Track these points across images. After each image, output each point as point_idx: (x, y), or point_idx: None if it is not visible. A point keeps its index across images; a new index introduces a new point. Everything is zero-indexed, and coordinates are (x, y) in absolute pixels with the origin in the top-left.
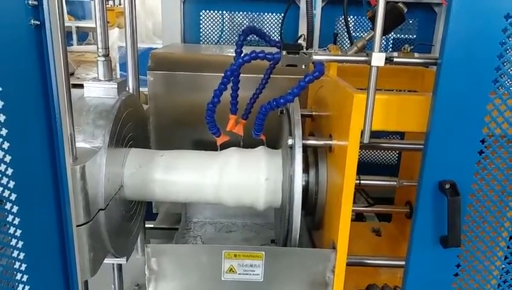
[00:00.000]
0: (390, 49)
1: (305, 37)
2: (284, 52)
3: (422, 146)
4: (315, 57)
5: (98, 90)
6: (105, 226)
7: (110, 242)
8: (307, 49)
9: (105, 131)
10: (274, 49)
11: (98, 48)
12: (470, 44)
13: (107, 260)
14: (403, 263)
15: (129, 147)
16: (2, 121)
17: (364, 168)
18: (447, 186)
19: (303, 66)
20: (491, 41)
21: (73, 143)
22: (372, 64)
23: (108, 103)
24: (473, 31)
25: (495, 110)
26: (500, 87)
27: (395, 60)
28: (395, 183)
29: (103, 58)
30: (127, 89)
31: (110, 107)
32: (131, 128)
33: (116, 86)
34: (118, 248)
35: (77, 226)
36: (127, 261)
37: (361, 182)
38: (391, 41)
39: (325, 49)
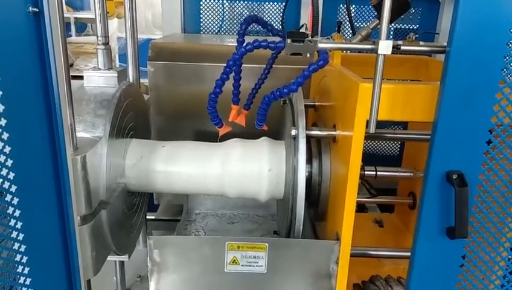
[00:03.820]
0: (392, 39)
1: (307, 26)
2: (289, 41)
3: (428, 136)
4: (321, 45)
5: (98, 80)
6: (108, 225)
7: (113, 240)
8: (312, 37)
9: (105, 120)
10: (276, 39)
11: (97, 37)
12: (479, 32)
13: (109, 258)
14: (407, 254)
15: (130, 137)
16: (1, 111)
17: (366, 158)
18: (455, 176)
19: (308, 55)
20: (500, 28)
21: (74, 133)
22: (379, 52)
23: (109, 92)
24: (482, 18)
25: (504, 99)
26: (509, 76)
27: (402, 48)
28: (412, 174)
29: (103, 47)
30: (127, 79)
31: (111, 97)
32: (132, 118)
33: (116, 75)
34: (120, 246)
35: (79, 225)
36: (129, 258)
37: (378, 173)
38: (392, 31)
39: (328, 38)
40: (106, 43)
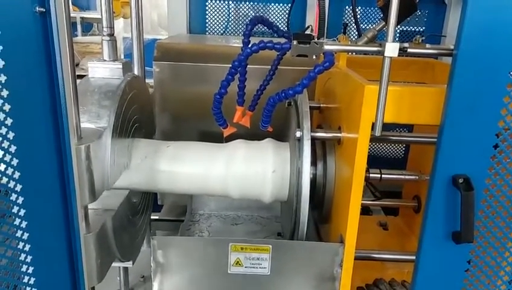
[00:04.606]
0: (398, 42)
1: (312, 28)
2: (295, 42)
3: (434, 139)
4: (327, 47)
5: (103, 71)
6: (113, 233)
7: (117, 248)
8: (318, 39)
9: (110, 111)
10: (281, 40)
11: (102, 27)
12: (487, 35)
13: (113, 264)
14: (411, 257)
15: (135, 130)
16: (8, 111)
17: (370, 160)
18: (461, 180)
19: (314, 57)
20: (508, 31)
21: (79, 125)
22: (385, 54)
23: (114, 84)
24: (490, 21)
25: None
26: None
27: (408, 50)
28: (417, 177)
29: (108, 38)
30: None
31: (115, 88)
32: (137, 111)
33: (121, 67)
34: (124, 253)
35: (85, 234)
36: (133, 264)
37: (383, 175)
38: (398, 34)
39: (334, 40)
40: (111, 34)
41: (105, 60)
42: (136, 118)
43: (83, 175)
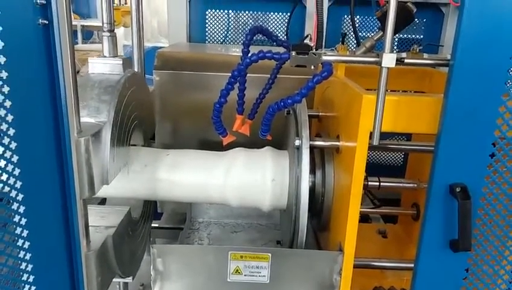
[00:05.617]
0: (396, 50)
1: (311, 37)
2: (293, 53)
3: (432, 148)
4: (325, 58)
5: (102, 67)
6: (113, 250)
7: (118, 265)
8: (316, 49)
9: (110, 106)
10: (280, 49)
11: (102, 23)
12: (483, 45)
13: (113, 280)
14: (411, 265)
15: (134, 127)
16: (10, 121)
17: (369, 168)
18: (458, 189)
19: (312, 67)
20: (504, 42)
21: (79, 121)
22: (383, 65)
23: (114, 79)
24: (486, 32)
25: (507, 112)
26: None
27: (405, 61)
28: (415, 185)
29: (108, 34)
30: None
31: (115, 83)
32: (136, 107)
33: (121, 62)
34: (125, 269)
35: (86, 252)
36: (133, 279)
37: (381, 184)
38: (396, 41)
39: (332, 49)
40: (111, 30)
41: (105, 56)
42: (136, 115)
43: (82, 168)
